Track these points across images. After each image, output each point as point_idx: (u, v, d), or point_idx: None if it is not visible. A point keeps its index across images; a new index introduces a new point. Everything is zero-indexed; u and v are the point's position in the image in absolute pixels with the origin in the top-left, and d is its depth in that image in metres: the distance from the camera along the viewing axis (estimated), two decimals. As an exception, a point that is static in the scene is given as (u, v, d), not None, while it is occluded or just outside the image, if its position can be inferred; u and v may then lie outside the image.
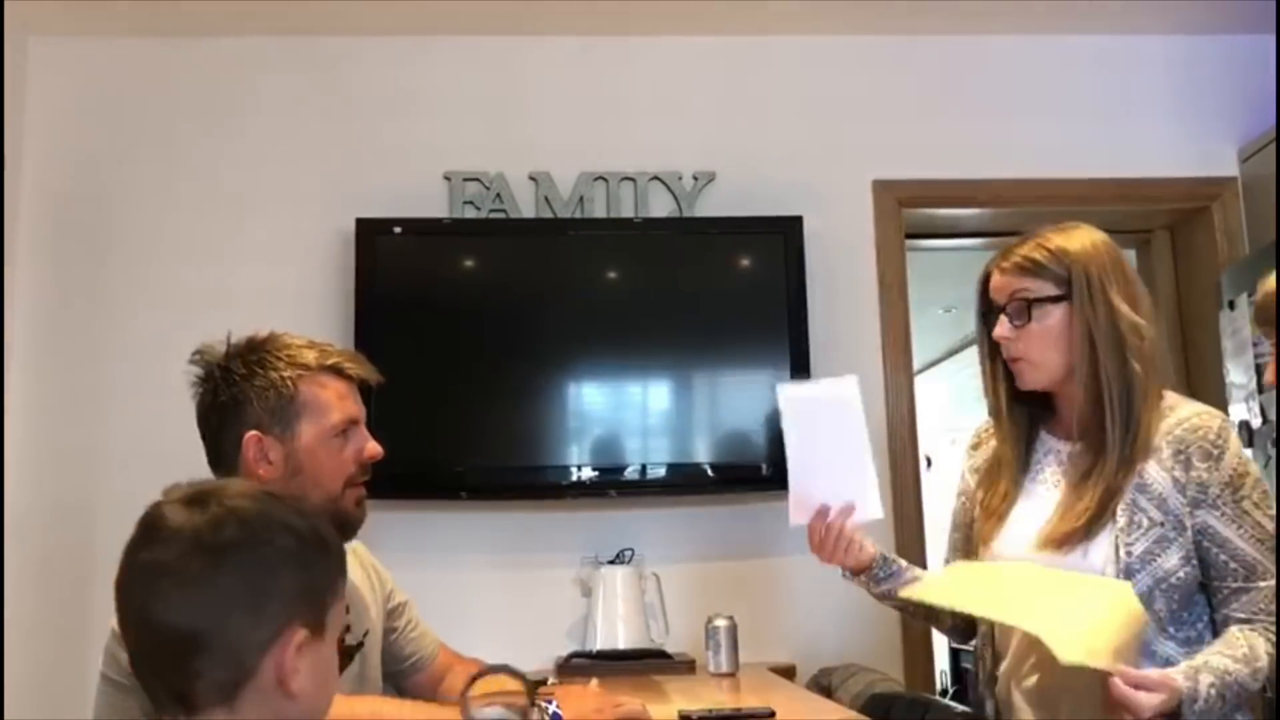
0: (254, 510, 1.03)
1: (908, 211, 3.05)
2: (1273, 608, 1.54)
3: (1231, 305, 2.73)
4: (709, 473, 2.81)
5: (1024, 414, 1.75)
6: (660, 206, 2.96)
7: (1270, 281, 1.42)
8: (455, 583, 2.71)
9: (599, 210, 2.95)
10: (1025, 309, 1.65)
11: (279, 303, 2.81)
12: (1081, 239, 1.66)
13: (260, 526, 1.02)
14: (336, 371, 1.55)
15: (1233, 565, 1.57)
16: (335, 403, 1.53)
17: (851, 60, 3.07)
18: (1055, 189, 3.05)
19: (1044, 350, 1.65)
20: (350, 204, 2.86)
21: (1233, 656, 1.51)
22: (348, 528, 1.54)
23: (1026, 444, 1.75)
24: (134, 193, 2.90)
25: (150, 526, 1.02)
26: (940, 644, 4.01)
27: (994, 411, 1.79)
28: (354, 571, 1.64)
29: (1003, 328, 1.67)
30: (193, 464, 2.67)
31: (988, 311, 1.73)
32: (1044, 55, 3.10)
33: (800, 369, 2.80)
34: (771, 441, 2.79)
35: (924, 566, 2.79)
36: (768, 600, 2.77)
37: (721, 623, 2.46)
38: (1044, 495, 1.70)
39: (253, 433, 1.49)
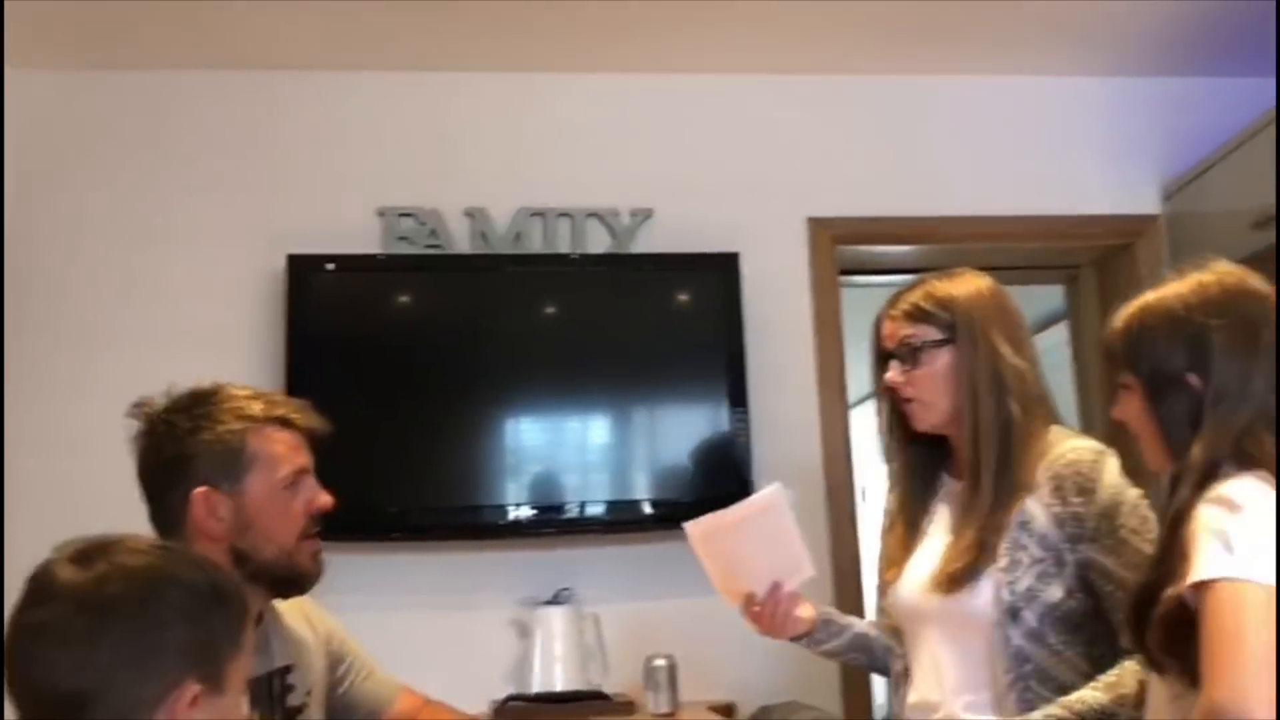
0: (142, 565, 1.01)
1: (842, 248, 3.07)
2: None
3: (1156, 340, 2.78)
4: (648, 509, 2.79)
5: (926, 456, 1.80)
6: (597, 243, 2.95)
7: (1116, 318, 1.45)
8: (390, 626, 2.64)
9: (536, 246, 2.93)
10: (913, 354, 1.72)
11: (209, 340, 2.76)
12: (966, 285, 1.74)
13: (147, 581, 0.99)
14: (284, 423, 1.52)
15: (1118, 595, 1.57)
16: (284, 455, 1.49)
17: (786, 98, 3.10)
18: (985, 226, 3.10)
19: (932, 392, 1.71)
20: (283, 240, 2.81)
21: (1096, 686, 1.54)
22: (304, 582, 1.51)
23: (926, 486, 1.80)
24: (60, 227, 2.82)
25: (36, 586, 1.00)
26: (879, 680, 4.01)
27: (887, 455, 1.84)
28: (299, 626, 1.60)
29: (893, 372, 1.74)
30: (106, 512, 2.59)
31: (881, 356, 1.79)
32: (975, 96, 3.16)
33: (738, 403, 2.80)
34: (709, 478, 2.79)
35: (860, 596, 2.83)
36: (707, 639, 2.74)
37: (661, 662, 2.43)
38: (938, 537, 1.74)
39: (201, 489, 1.44)
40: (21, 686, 0.98)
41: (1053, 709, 1.53)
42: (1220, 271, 1.42)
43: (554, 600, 2.70)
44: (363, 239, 2.87)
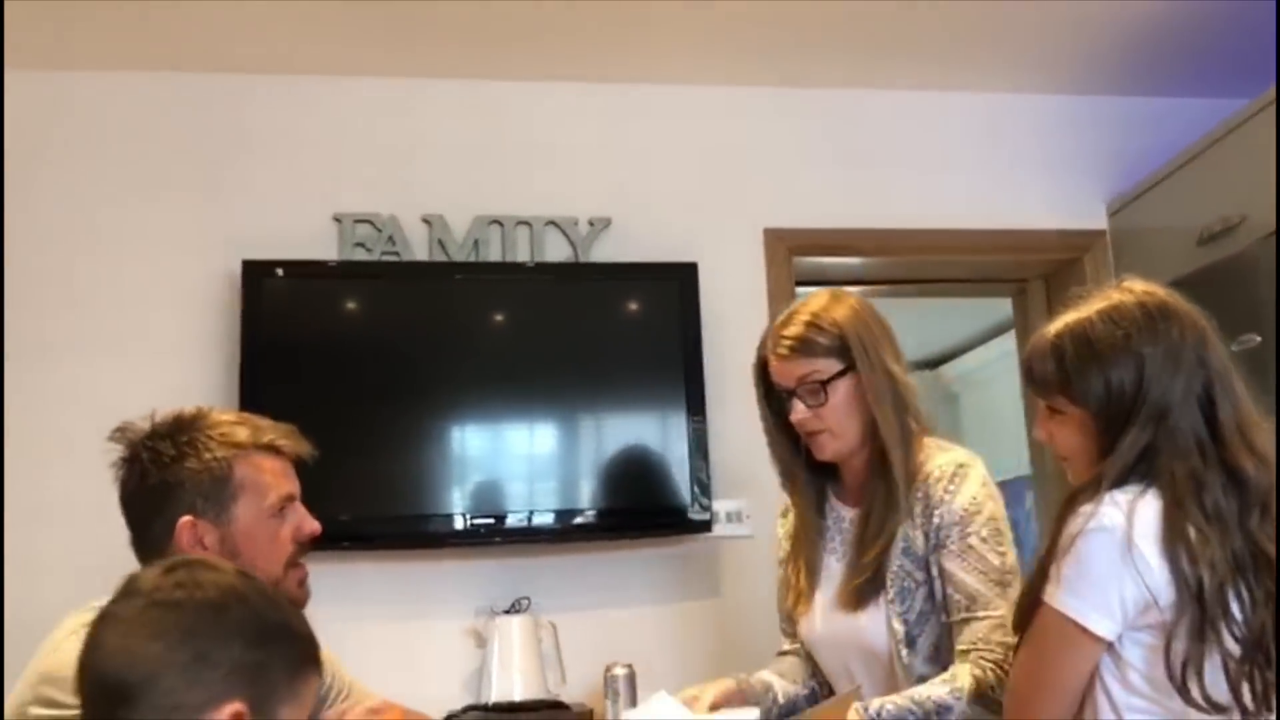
0: (219, 581, 1.03)
1: (798, 259, 3.11)
2: (992, 638, 1.59)
3: (1104, 352, 2.84)
4: (599, 518, 2.78)
5: (815, 483, 1.81)
6: (556, 251, 2.95)
7: (1040, 342, 1.48)
8: (344, 636, 2.56)
9: (494, 254, 2.92)
10: (820, 389, 1.69)
11: (164, 346, 2.73)
12: (844, 308, 1.72)
13: (218, 595, 1.01)
14: (271, 449, 1.50)
15: (956, 597, 1.61)
16: (272, 482, 1.48)
17: (745, 110, 3.13)
18: (936, 239, 3.15)
19: (843, 421, 1.70)
20: (239, 245, 2.77)
21: (933, 683, 1.58)
22: None
23: (821, 515, 1.80)
24: (10, 230, 2.75)
25: (123, 584, 1.05)
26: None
27: (789, 486, 1.83)
28: None
29: (799, 412, 1.71)
30: (60, 522, 2.55)
31: (769, 393, 1.77)
32: (927, 110, 3.21)
33: (695, 411, 2.81)
34: (665, 486, 2.79)
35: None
36: (666, 647, 2.75)
37: (620, 671, 2.43)
38: (834, 566, 1.76)
39: (186, 518, 1.42)
40: (84, 671, 1.02)
41: (894, 698, 1.57)
42: (1139, 292, 1.44)
43: (512, 609, 2.69)
44: (320, 245, 2.84)
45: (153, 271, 2.79)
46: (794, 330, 1.71)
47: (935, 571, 1.63)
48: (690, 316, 2.87)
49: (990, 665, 1.57)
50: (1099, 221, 3.22)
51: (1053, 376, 1.44)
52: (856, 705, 1.57)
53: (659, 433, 2.83)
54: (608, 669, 2.44)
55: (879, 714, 1.54)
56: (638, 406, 2.87)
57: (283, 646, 1.03)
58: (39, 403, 2.67)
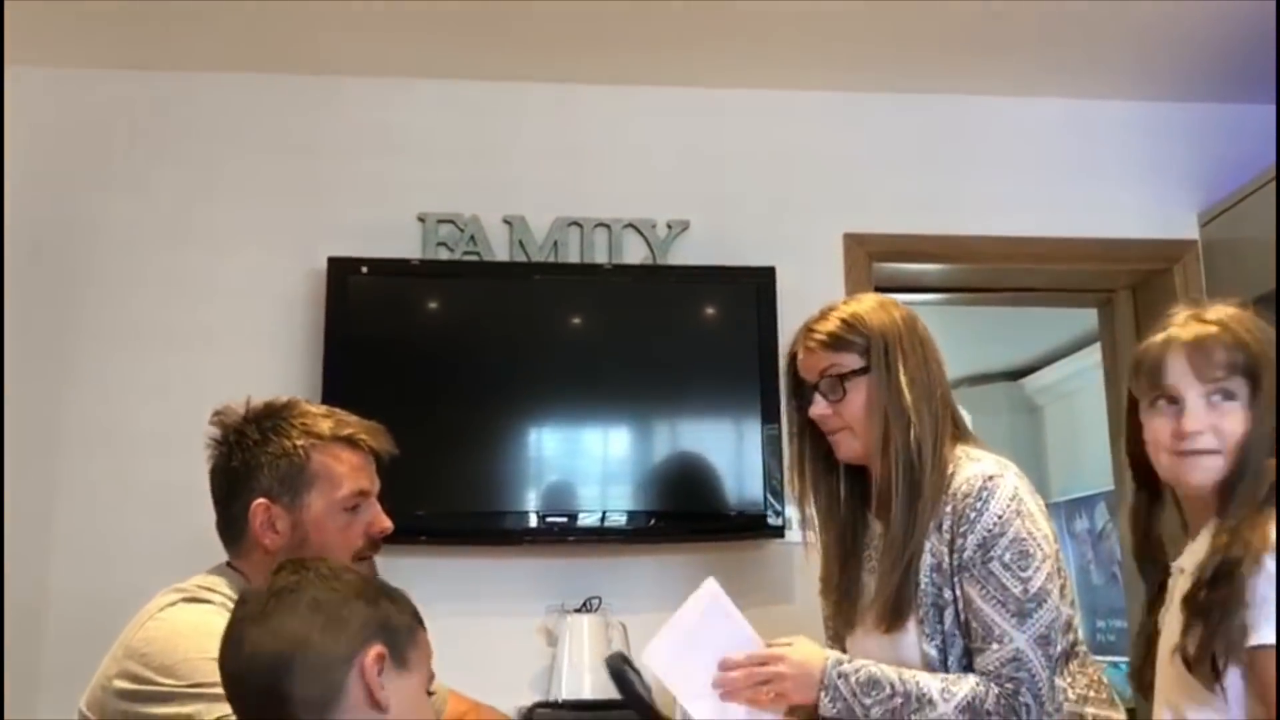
0: (323, 568, 1.15)
1: (877, 265, 3.08)
2: (1002, 671, 1.55)
3: (1192, 365, 2.77)
4: (671, 520, 2.78)
5: (853, 493, 1.79)
6: (634, 253, 2.96)
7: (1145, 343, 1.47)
8: None
9: (573, 256, 2.95)
10: (838, 384, 1.68)
11: (249, 340, 2.80)
12: (881, 312, 1.71)
13: (329, 571, 1.14)
14: (351, 443, 1.53)
15: (974, 625, 1.58)
16: (347, 475, 1.51)
17: (825, 114, 3.11)
18: (1022, 247, 3.09)
19: (863, 420, 1.68)
20: (324, 242, 2.84)
21: (935, 676, 1.57)
22: None
23: (857, 519, 1.78)
24: (107, 226, 2.86)
25: (237, 602, 1.17)
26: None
27: (803, 493, 1.81)
28: None
29: (819, 406, 1.71)
30: (153, 508, 2.62)
31: (798, 389, 1.76)
32: (1013, 116, 3.16)
33: (771, 418, 2.79)
34: (739, 491, 2.79)
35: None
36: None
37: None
38: (868, 582, 1.73)
39: (260, 500, 1.47)
40: (230, 673, 1.11)
41: (881, 666, 1.58)
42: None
43: (583, 608, 2.71)
44: (403, 243, 2.89)
45: (243, 267, 2.86)
46: (824, 325, 1.72)
47: (959, 592, 1.60)
48: (767, 321, 2.86)
49: (997, 692, 1.55)
50: (1190, 231, 3.14)
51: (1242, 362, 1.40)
52: (830, 655, 1.59)
53: (733, 437, 2.82)
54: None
55: (848, 674, 1.56)
56: (712, 411, 2.87)
57: (394, 605, 1.16)
58: (131, 394, 2.76)
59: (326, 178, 2.94)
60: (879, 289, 3.11)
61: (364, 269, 2.81)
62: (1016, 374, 6.09)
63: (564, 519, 2.75)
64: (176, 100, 2.95)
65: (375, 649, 1.09)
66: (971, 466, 1.65)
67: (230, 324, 2.82)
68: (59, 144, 2.89)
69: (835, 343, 1.69)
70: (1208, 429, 1.39)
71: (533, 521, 2.75)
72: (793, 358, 1.78)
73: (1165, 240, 3.13)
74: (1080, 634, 1.74)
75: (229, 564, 1.53)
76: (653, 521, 2.78)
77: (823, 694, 1.57)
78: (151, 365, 2.78)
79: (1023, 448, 5.66)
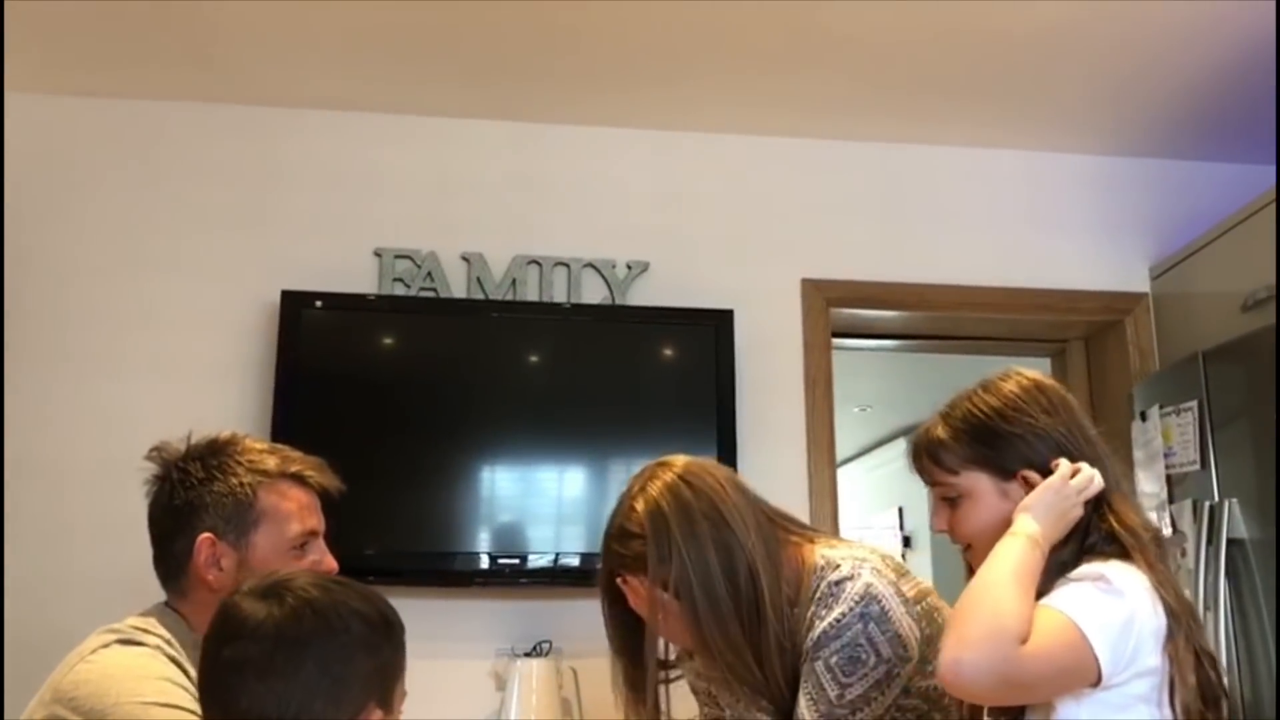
0: (327, 600, 1.09)
1: (835, 310, 3.09)
2: None
3: (1143, 416, 2.80)
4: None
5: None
6: (593, 293, 2.96)
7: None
8: None
9: (531, 294, 2.93)
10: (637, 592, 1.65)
11: (201, 371, 2.76)
12: (646, 498, 1.70)
13: (335, 616, 1.09)
14: (299, 480, 1.49)
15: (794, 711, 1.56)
16: (295, 514, 1.47)
17: (786, 160, 3.14)
18: (976, 296, 3.13)
19: (670, 625, 1.63)
20: (278, 275, 2.80)
21: None
22: None
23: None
24: (57, 252, 2.80)
25: (227, 623, 1.09)
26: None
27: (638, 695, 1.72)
28: None
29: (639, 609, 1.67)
30: (99, 539, 2.56)
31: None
32: (971, 167, 3.20)
33: (727, 459, 2.78)
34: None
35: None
36: (687, 696, 2.71)
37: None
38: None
39: (206, 535, 1.43)
40: (222, 718, 1.07)
41: None
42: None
43: (533, 652, 2.67)
44: (359, 279, 2.87)
45: (194, 298, 2.82)
46: (607, 544, 1.68)
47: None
48: (725, 363, 2.86)
49: None
50: (1141, 284, 3.19)
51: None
52: None
53: (689, 479, 2.80)
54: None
55: None
56: (669, 452, 2.83)
57: (390, 642, 1.13)
58: (80, 422, 2.70)
59: (283, 210, 2.91)
60: (836, 334, 3.13)
61: (318, 303, 2.77)
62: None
63: (515, 560, 2.72)
64: (131, 128, 2.91)
65: (374, 715, 1.08)
66: (829, 569, 1.60)
67: (180, 355, 2.76)
68: (10, 170, 2.84)
69: (622, 561, 1.64)
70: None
71: (484, 562, 2.71)
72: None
73: (1117, 292, 3.17)
74: None
75: (166, 604, 1.48)
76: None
77: None
78: (96, 396, 2.71)
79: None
